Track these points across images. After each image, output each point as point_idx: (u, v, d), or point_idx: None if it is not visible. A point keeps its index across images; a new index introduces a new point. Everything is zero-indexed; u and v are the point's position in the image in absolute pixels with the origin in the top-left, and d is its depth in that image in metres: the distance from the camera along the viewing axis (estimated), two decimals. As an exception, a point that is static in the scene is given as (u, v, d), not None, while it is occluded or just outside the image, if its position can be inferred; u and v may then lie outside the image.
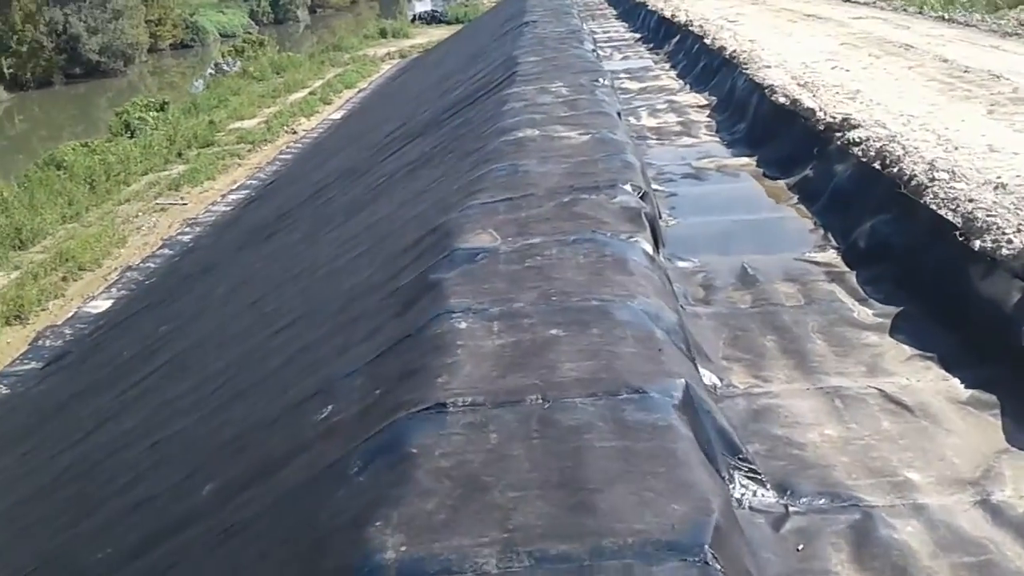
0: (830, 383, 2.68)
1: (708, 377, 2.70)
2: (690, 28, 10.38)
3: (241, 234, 9.79)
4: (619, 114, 6.16)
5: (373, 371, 2.63)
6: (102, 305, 12.07)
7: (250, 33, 61.79)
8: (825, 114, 5.13)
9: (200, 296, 7.88)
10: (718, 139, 6.26)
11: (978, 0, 14.52)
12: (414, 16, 50.11)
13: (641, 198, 3.84)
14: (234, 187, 17.84)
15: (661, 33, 11.73)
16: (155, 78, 51.07)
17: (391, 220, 5.10)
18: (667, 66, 9.72)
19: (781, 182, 5.04)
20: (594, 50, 9.56)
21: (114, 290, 12.65)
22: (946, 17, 9.63)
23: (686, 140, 6.34)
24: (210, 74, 36.66)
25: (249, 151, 21.54)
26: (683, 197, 4.98)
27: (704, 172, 5.46)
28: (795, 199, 4.73)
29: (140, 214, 17.05)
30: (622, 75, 9.45)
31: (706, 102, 7.48)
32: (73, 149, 20.86)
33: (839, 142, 4.71)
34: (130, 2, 51.47)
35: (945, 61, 6.65)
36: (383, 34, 41.31)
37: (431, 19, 46.47)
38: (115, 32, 48.70)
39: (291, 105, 26.51)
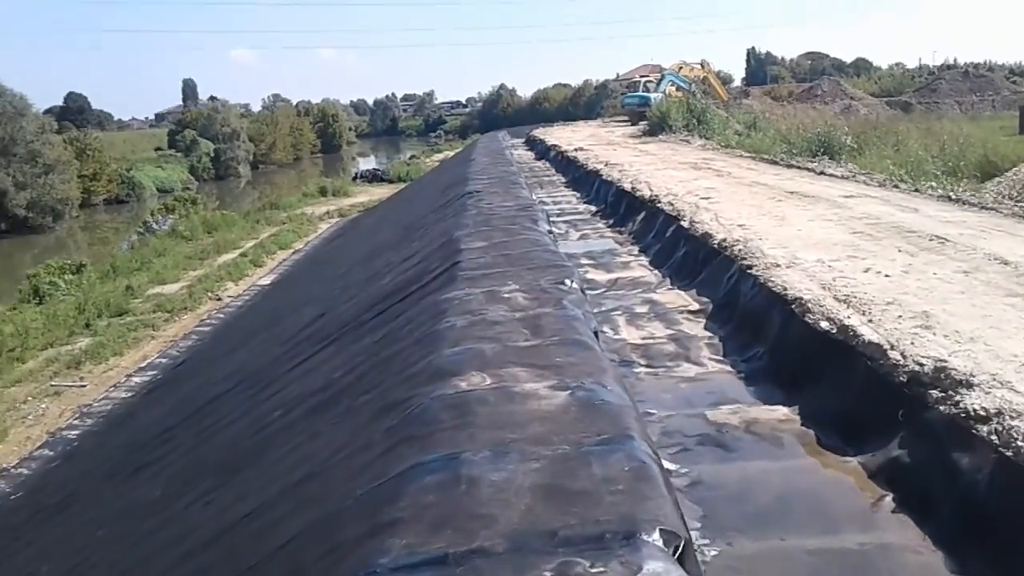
0: None
1: None
2: (658, 205, 9.05)
3: (112, 456, 7.82)
4: (597, 335, 4.54)
5: None
6: (-55, 529, 9.78)
7: (188, 189, 60.95)
8: (904, 357, 3.54)
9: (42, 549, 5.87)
10: (730, 368, 4.65)
11: (932, 173, 13.75)
12: (356, 174, 49.58)
13: (681, 558, 2.12)
14: (142, 365, 15.85)
15: (622, 208, 10.41)
16: (86, 234, 49.24)
17: (256, 515, 3.29)
18: (635, 250, 8.28)
19: (852, 461, 3.39)
20: (550, 231, 8.10)
21: (-34, 507, 10.36)
22: (952, 197, 8.44)
23: (686, 369, 4.71)
24: (138, 233, 35.02)
25: (166, 321, 19.61)
26: (711, 488, 3.28)
27: (728, 434, 3.78)
28: (887, 498, 3.06)
29: (30, 399, 14.83)
30: (583, 261, 7.96)
31: (697, 305, 5.94)
32: (-36, 319, 18.71)
33: (946, 408, 3.10)
34: (62, 157, 50.24)
35: (1006, 263, 5.23)
36: (323, 192, 40.40)
37: (372, 177, 45.94)
38: (45, 187, 47.13)
39: (219, 268, 24.83)
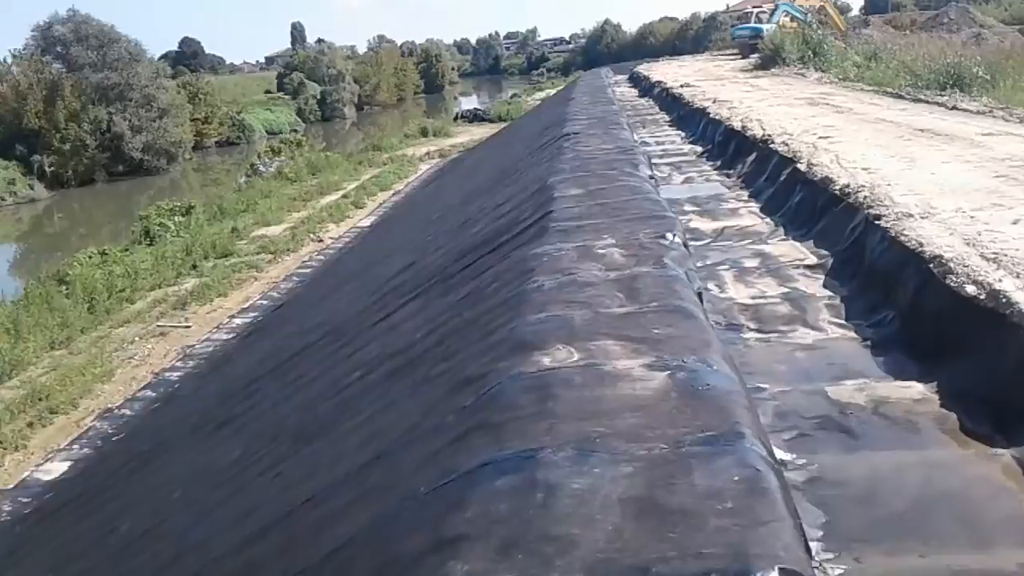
0: None
1: None
2: (770, 145, 8.35)
3: (204, 405, 7.80)
4: (701, 297, 4.07)
5: None
6: (57, 469, 10.13)
7: (296, 131, 61.92)
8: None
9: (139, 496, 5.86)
10: (854, 334, 4.09)
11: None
12: (457, 114, 49.26)
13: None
14: (245, 306, 16.10)
15: (731, 149, 9.71)
16: (199, 175, 50.73)
17: (319, 500, 2.99)
18: (744, 195, 7.65)
19: (1006, 454, 2.85)
20: (652, 176, 7.54)
21: (76, 447, 10.71)
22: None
23: (803, 334, 4.18)
24: (246, 175, 35.70)
25: (269, 262, 19.90)
26: (834, 485, 2.80)
27: (854, 416, 3.27)
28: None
29: (137, 339, 15.27)
30: (687, 207, 7.39)
31: (815, 259, 5.35)
32: (81, 261, 19.37)
33: None
34: (176, 101, 51.58)
35: None
36: (424, 133, 40.32)
37: (473, 117, 45.58)
38: (159, 131, 48.58)
39: (321, 209, 25.05)
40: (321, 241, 21.15)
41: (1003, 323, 3.36)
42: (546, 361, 3.03)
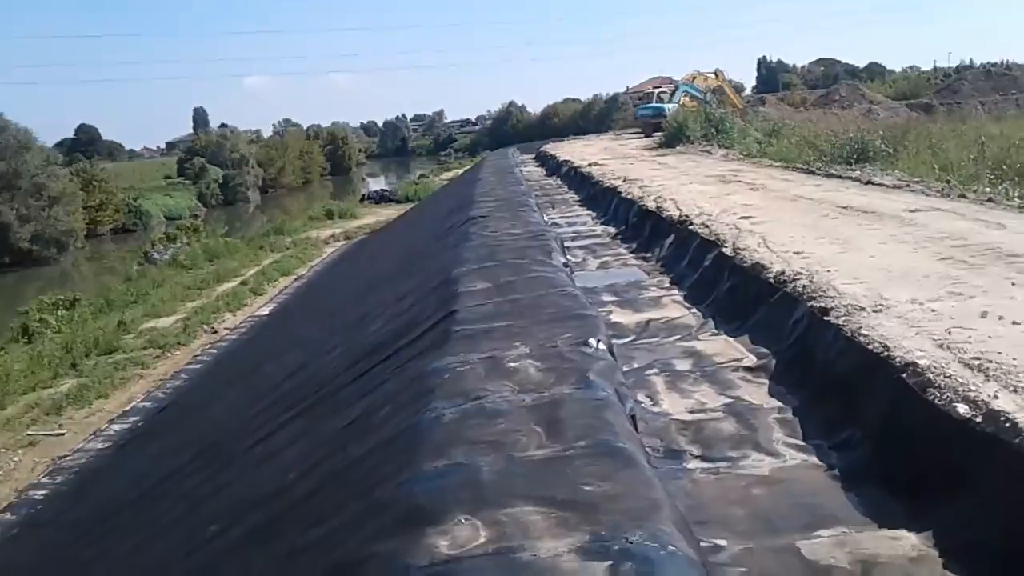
0: None
1: None
2: (690, 227, 7.83)
3: (72, 529, 6.65)
4: (634, 420, 3.35)
5: None
6: None
7: (196, 216, 60.08)
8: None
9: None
10: (817, 460, 3.41)
11: (985, 177, 12.48)
12: (364, 195, 48.57)
13: None
14: (126, 409, 14.73)
15: (646, 231, 9.18)
16: (92, 264, 48.37)
17: None
18: (666, 282, 7.05)
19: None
20: (567, 264, 6.89)
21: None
22: (1037, 209, 7.18)
23: (756, 462, 3.48)
24: (138, 263, 34.04)
25: (157, 358, 18.47)
26: None
27: (846, 591, 2.55)
28: None
29: (3, 450, 13.70)
30: (605, 296, 6.75)
31: (754, 359, 4.71)
32: (-55, 365, 17.62)
33: None
34: (67, 189, 49.49)
35: None
36: (329, 215, 39.34)
37: (380, 198, 44.91)
38: (48, 220, 46.36)
39: (217, 298, 23.73)
40: (215, 332, 19.85)
41: (1009, 453, 2.71)
42: (443, 545, 2.22)
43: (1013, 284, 4.57)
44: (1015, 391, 2.99)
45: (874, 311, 4.29)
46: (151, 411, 13.22)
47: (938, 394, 3.11)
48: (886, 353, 3.60)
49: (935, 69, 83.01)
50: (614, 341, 5.35)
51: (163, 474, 6.27)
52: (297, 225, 38.26)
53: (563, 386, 3.50)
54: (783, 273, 5.35)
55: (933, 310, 4.18)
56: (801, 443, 3.60)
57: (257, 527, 3.45)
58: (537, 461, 2.75)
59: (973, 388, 3.05)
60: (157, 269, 29.80)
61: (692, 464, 3.52)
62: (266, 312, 20.48)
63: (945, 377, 3.21)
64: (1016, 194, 9.49)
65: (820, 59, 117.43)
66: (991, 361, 3.32)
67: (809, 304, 4.67)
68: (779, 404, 4.04)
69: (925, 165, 15.37)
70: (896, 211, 7.55)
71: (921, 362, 3.37)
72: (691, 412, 4.08)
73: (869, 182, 10.37)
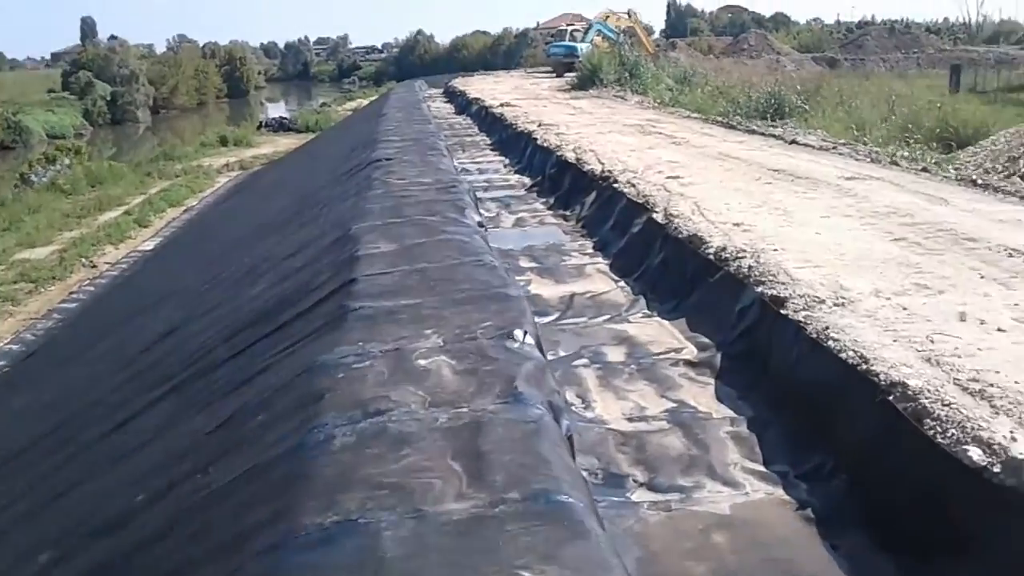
0: None
1: None
2: (615, 185, 7.21)
3: None
4: (571, 441, 2.74)
5: None
6: None
7: (82, 135, 56.33)
8: None
9: None
10: (785, 494, 2.87)
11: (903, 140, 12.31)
12: (262, 122, 46.26)
13: None
14: (-10, 351, 13.39)
15: (565, 183, 8.53)
16: (-37, 183, 44.88)
17: None
18: (589, 247, 6.44)
19: None
20: (481, 224, 6.18)
21: None
22: (978, 181, 6.81)
23: (714, 496, 2.91)
24: (14, 186, 31.57)
25: (29, 293, 16.99)
26: None
27: None
28: None
29: None
30: (523, 262, 6.10)
31: (695, 350, 4.15)
32: None
33: None
34: (-66, 98, 45.52)
35: None
36: (224, 142, 37.25)
37: (279, 126, 42.81)
38: (-89, 132, 42.62)
39: (99, 228, 22.09)
40: (95, 267, 18.41)
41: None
42: None
43: (982, 277, 4.11)
44: (1032, 431, 2.48)
45: (836, 305, 3.76)
46: (17, 356, 12.00)
47: (939, 428, 2.58)
48: (865, 366, 3.06)
49: (838, 23, 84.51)
50: (536, 319, 4.72)
51: (14, 450, 5.38)
52: (189, 151, 36.14)
53: (486, 398, 2.84)
54: (724, 249, 4.79)
55: (904, 308, 3.67)
56: (763, 469, 3.05)
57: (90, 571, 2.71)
58: (458, 523, 2.10)
59: (983, 424, 2.53)
60: (35, 193, 27.65)
61: (638, 495, 2.93)
62: (150, 247, 19.13)
63: (944, 405, 2.68)
64: (932, 160, 9.26)
65: (728, 6, 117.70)
66: (992, 384, 2.82)
67: (759, 290, 4.11)
68: (731, 413, 3.49)
69: (840, 123, 15.22)
70: (831, 178, 7.09)
71: (912, 383, 2.84)
72: (630, 420, 3.49)
73: (794, 141, 9.94)
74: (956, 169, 8.28)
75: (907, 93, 18.70)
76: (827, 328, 3.43)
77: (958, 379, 2.87)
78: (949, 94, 26.87)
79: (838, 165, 7.90)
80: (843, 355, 3.19)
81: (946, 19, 76.73)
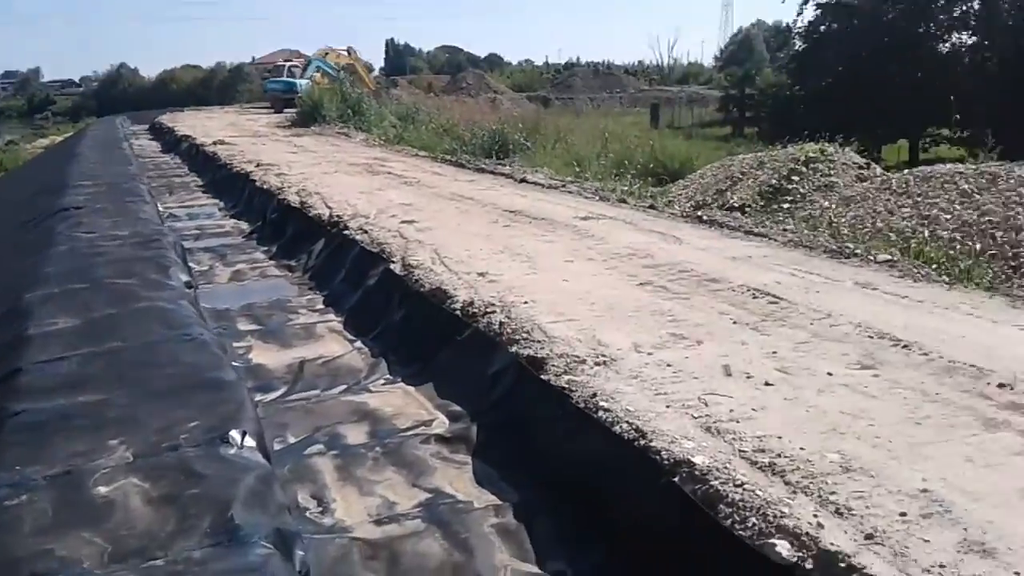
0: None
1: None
2: (344, 232, 6.62)
3: None
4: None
5: None
6: None
7: None
8: None
9: None
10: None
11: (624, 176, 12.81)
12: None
13: None
14: None
15: (288, 230, 7.80)
16: None
17: None
18: (319, 302, 5.78)
19: None
20: (190, 284, 5.33)
21: None
22: (704, 217, 6.94)
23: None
24: None
25: None
26: None
27: None
28: None
29: None
30: (242, 324, 5.34)
31: (446, 422, 3.67)
32: None
33: None
34: None
35: (905, 346, 3.55)
36: None
37: (-46, 169, 37.63)
38: None
39: None
40: None
41: None
42: None
43: (735, 323, 3.98)
44: (839, 513, 2.22)
45: (598, 364, 3.43)
46: None
47: (737, 517, 2.26)
48: (642, 441, 2.70)
49: (547, 64, 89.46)
50: (259, 396, 4.04)
51: None
52: None
53: (191, 539, 2.16)
54: (472, 304, 4.36)
55: (668, 364, 3.41)
56: (537, 571, 2.60)
57: None
58: None
59: (784, 510, 2.22)
60: None
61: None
62: None
63: (736, 486, 2.37)
64: (649, 193, 9.59)
65: (444, 46, 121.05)
66: (779, 455, 2.56)
67: (514, 351, 3.71)
68: (494, 499, 3.02)
69: (559, 159, 15.64)
70: (567, 218, 6.96)
71: (697, 460, 2.51)
72: (378, 523, 2.92)
73: (524, 180, 9.87)
74: (669, 203, 8.53)
75: (617, 130, 19.73)
76: (595, 396, 3.07)
77: (743, 451, 2.59)
78: (652, 129, 29.00)
79: (571, 204, 7.83)
80: (616, 428, 2.83)
81: (641, 62, 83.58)
